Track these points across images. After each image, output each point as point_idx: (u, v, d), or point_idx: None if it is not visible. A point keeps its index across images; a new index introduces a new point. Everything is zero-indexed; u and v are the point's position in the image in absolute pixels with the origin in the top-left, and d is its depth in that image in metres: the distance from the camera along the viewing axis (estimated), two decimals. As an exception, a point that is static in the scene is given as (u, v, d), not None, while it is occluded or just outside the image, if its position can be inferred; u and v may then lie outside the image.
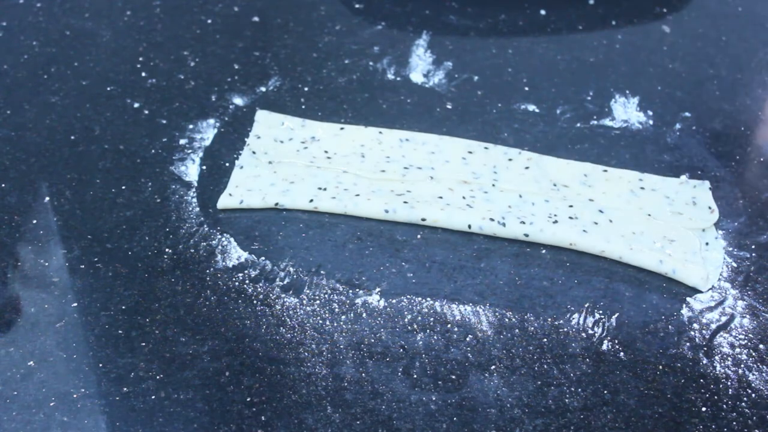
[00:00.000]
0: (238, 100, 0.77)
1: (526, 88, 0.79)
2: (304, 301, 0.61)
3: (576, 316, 0.61)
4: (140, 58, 0.81)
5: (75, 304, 0.61)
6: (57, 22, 0.85)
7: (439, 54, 0.83)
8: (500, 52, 0.84)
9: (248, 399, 0.55)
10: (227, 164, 0.71)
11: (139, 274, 0.63)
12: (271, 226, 0.66)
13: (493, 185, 0.69)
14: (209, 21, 0.86)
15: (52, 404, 0.55)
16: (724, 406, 0.56)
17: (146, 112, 0.76)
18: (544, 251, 0.65)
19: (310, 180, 0.69)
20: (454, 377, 0.57)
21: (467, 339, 0.59)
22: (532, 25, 0.88)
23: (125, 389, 0.56)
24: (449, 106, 0.77)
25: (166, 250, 0.64)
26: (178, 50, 0.82)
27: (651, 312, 0.61)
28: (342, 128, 0.73)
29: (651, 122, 0.76)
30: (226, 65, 0.81)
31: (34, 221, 0.66)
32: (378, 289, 0.62)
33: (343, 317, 0.60)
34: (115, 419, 0.54)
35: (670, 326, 0.61)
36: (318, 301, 0.61)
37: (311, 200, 0.67)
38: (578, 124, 0.76)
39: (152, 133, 0.74)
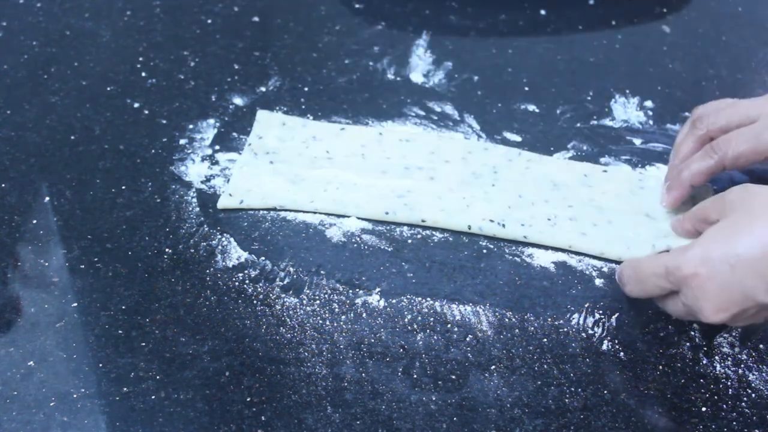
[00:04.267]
0: (238, 100, 0.77)
1: (526, 88, 0.79)
2: (304, 301, 0.61)
3: (576, 316, 0.61)
4: (140, 58, 0.81)
5: (75, 304, 0.61)
6: (57, 22, 0.85)
7: (439, 54, 0.83)
8: (500, 52, 0.84)
9: (248, 399, 0.55)
10: (227, 164, 0.71)
11: (139, 274, 0.63)
12: (271, 226, 0.66)
13: (493, 186, 0.69)
14: (209, 21, 0.86)
15: (52, 404, 0.55)
16: (724, 406, 0.56)
17: (146, 112, 0.76)
18: (544, 251, 0.65)
19: (310, 180, 0.69)
20: (454, 377, 0.57)
21: (467, 339, 0.59)
22: (532, 25, 0.88)
23: (125, 389, 0.56)
24: (449, 106, 0.77)
25: (166, 250, 0.64)
26: (178, 50, 0.82)
27: (651, 312, 0.61)
28: (342, 128, 0.73)
29: (651, 122, 0.76)
30: (226, 65, 0.81)
31: (34, 221, 0.66)
32: (378, 289, 0.62)
33: (343, 317, 0.60)
34: (115, 419, 0.54)
35: (670, 326, 0.61)
36: (318, 301, 0.61)
37: (311, 200, 0.67)
38: (578, 124, 0.76)
39: (152, 133, 0.74)
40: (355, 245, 0.65)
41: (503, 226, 0.65)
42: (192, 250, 0.64)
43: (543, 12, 0.89)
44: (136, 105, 0.76)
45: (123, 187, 0.69)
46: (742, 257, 0.49)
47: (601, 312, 0.61)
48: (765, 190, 0.53)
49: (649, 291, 0.57)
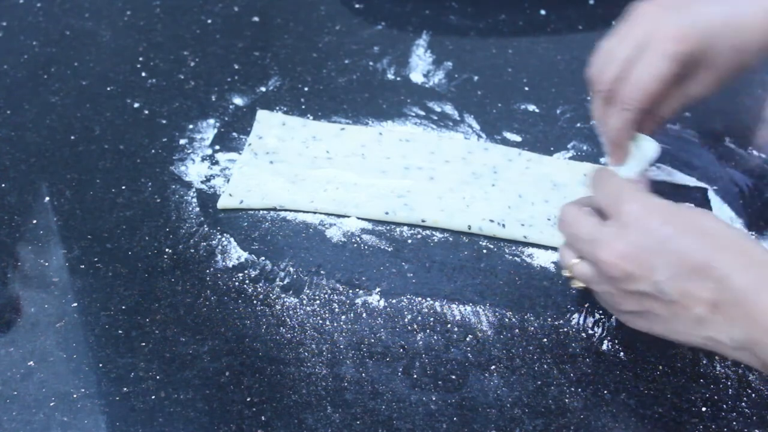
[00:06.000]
0: (238, 100, 0.77)
1: (526, 88, 0.79)
2: (304, 301, 0.61)
3: (576, 316, 0.61)
4: (140, 58, 0.81)
5: (75, 304, 0.61)
6: (57, 22, 0.85)
7: (439, 54, 0.83)
8: (500, 52, 0.84)
9: (248, 399, 0.55)
10: (227, 164, 0.71)
11: (139, 274, 0.63)
12: (271, 226, 0.66)
13: (493, 186, 0.69)
14: (209, 21, 0.86)
15: (52, 404, 0.55)
16: (724, 406, 0.56)
17: (146, 112, 0.76)
18: (544, 251, 0.65)
19: (310, 180, 0.69)
20: (454, 377, 0.57)
21: (467, 339, 0.59)
22: (532, 25, 0.88)
23: (125, 389, 0.56)
24: (449, 106, 0.77)
25: (166, 250, 0.64)
26: (178, 50, 0.82)
27: (651, 312, 0.61)
28: (342, 128, 0.73)
29: (651, 122, 0.76)
30: (226, 65, 0.81)
31: (34, 221, 0.66)
32: (378, 289, 0.62)
33: (343, 317, 0.60)
34: (115, 419, 0.54)
35: (670, 326, 0.60)
36: (318, 301, 0.61)
37: (311, 200, 0.67)
38: (578, 124, 0.76)
39: (152, 133, 0.74)
40: (355, 245, 0.65)
41: (503, 226, 0.65)
42: (192, 250, 0.64)
43: (543, 12, 0.89)
44: (136, 105, 0.76)
45: (123, 187, 0.69)
46: (675, 236, 0.49)
47: (601, 312, 0.61)
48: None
49: (595, 195, 0.55)
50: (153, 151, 0.72)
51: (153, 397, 0.55)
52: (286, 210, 0.67)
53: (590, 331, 0.60)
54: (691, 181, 0.71)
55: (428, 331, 0.60)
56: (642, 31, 0.57)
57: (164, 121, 0.75)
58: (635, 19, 0.58)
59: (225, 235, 0.66)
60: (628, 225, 0.50)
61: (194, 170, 0.70)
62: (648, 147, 0.60)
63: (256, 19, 0.87)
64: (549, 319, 0.61)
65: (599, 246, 0.51)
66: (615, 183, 0.54)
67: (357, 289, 0.62)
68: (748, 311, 0.46)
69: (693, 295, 0.48)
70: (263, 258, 0.64)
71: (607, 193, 0.54)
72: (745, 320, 0.47)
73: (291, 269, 0.63)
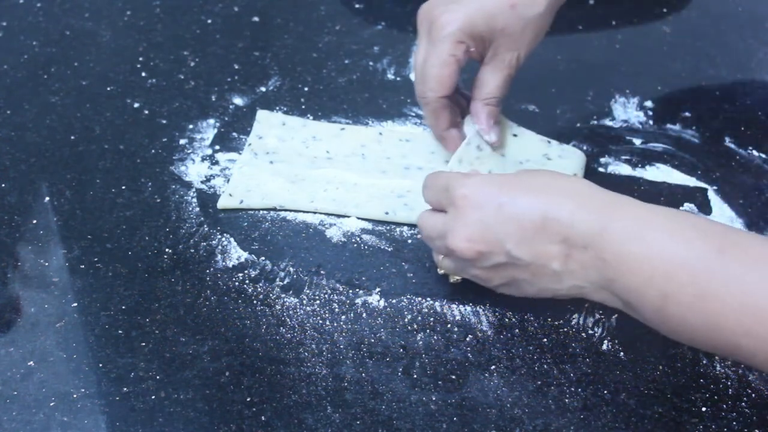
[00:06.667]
0: (238, 100, 0.77)
1: (526, 88, 0.79)
2: (304, 301, 0.61)
3: (576, 316, 0.61)
4: (140, 58, 0.81)
5: (75, 304, 0.61)
6: (57, 22, 0.85)
7: (439, 54, 0.83)
8: (500, 52, 0.83)
9: (248, 399, 0.55)
10: (227, 164, 0.71)
11: (139, 274, 0.63)
12: (271, 226, 0.66)
13: (493, 185, 0.69)
14: (209, 21, 0.86)
15: (52, 404, 0.55)
16: (724, 406, 0.56)
17: (146, 112, 0.76)
18: (544, 251, 0.65)
19: (310, 180, 0.69)
20: (454, 377, 0.57)
21: (467, 339, 0.59)
22: (532, 25, 0.87)
23: (125, 389, 0.56)
24: (449, 106, 0.77)
25: (166, 250, 0.64)
26: (178, 50, 0.82)
27: (651, 312, 0.61)
28: (342, 128, 0.73)
29: (651, 122, 0.76)
30: (226, 65, 0.81)
31: (34, 221, 0.66)
32: (378, 289, 0.62)
33: (343, 317, 0.60)
34: (115, 419, 0.54)
35: (670, 326, 0.60)
36: (318, 301, 0.61)
37: (311, 200, 0.67)
38: (578, 124, 0.76)
39: (152, 133, 0.74)
40: (355, 245, 0.65)
41: (503, 226, 0.65)
42: (192, 250, 0.64)
43: (543, 12, 0.89)
44: (136, 105, 0.76)
45: (123, 187, 0.69)
46: (509, 204, 0.50)
47: (601, 312, 0.61)
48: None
49: (428, 197, 0.57)
50: (153, 151, 0.72)
51: (153, 397, 0.55)
52: (286, 210, 0.67)
53: (590, 331, 0.60)
54: (691, 181, 0.71)
55: (428, 331, 0.60)
56: (425, 29, 0.61)
57: (164, 121, 0.75)
58: (418, 21, 0.62)
59: (225, 235, 0.66)
60: (463, 208, 0.52)
61: (194, 170, 0.70)
62: (470, 129, 0.64)
63: (256, 19, 0.87)
64: (549, 319, 0.61)
65: (446, 237, 0.53)
66: (441, 179, 0.56)
67: (357, 289, 0.62)
68: (597, 254, 0.48)
69: (544, 253, 0.50)
70: (263, 258, 0.64)
71: (436, 191, 0.56)
72: (596, 262, 0.48)
73: (291, 269, 0.63)
